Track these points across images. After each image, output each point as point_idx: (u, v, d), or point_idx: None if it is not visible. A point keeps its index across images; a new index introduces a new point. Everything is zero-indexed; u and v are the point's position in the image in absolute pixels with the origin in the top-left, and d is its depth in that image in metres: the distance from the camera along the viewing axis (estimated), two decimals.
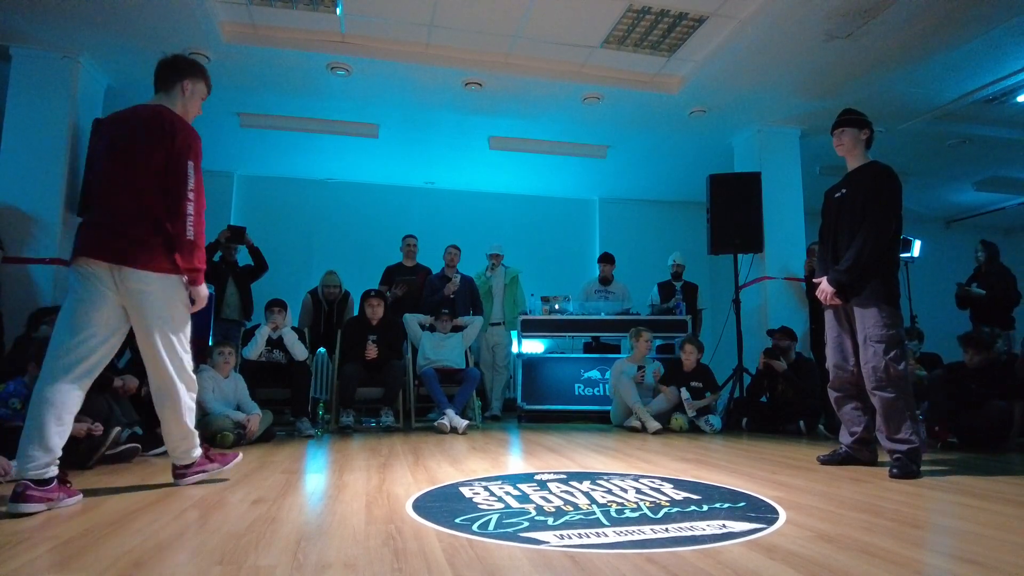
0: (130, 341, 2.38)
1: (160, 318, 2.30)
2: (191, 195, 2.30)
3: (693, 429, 4.84)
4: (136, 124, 2.35)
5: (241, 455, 2.77)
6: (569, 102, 5.59)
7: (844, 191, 3.11)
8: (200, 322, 4.88)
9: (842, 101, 4.57)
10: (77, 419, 2.22)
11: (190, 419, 2.46)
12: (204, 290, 2.42)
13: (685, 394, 4.87)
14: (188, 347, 2.43)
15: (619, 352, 6.39)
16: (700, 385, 4.97)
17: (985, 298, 4.55)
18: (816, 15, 4.20)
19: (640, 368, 5.04)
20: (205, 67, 2.60)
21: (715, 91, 5.36)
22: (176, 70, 2.48)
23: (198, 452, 2.51)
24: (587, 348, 6.59)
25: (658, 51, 4.91)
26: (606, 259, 6.52)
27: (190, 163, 2.31)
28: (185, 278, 2.35)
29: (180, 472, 2.47)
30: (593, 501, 2.13)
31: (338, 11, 4.39)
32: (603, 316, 5.96)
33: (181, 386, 2.39)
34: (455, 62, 4.97)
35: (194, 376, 2.47)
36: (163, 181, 2.29)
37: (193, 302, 2.41)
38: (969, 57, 4.69)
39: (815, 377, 4.77)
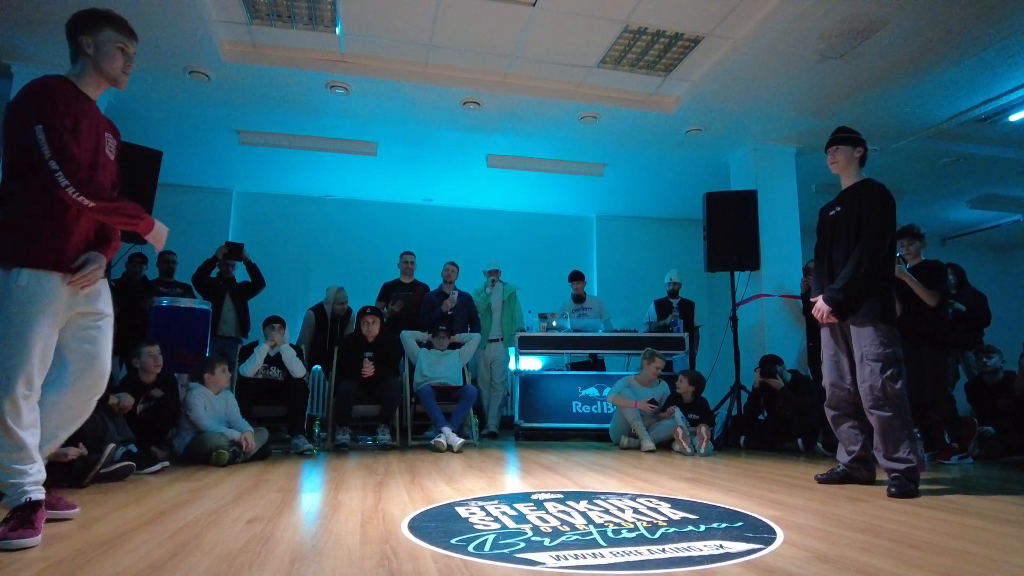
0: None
1: None
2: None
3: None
4: None
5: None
6: (566, 121, 5.64)
7: (839, 209, 3.12)
8: (197, 339, 4.87)
9: (837, 120, 4.62)
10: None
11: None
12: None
13: (679, 414, 4.79)
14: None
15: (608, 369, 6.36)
16: (697, 417, 4.86)
17: (966, 313, 4.73)
18: (810, 36, 4.26)
19: (652, 402, 4.91)
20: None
21: (711, 110, 5.41)
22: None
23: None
24: (575, 366, 6.52)
25: (654, 71, 4.97)
26: (576, 276, 6.48)
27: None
28: None
29: None
30: (590, 521, 2.12)
31: (337, 30, 4.44)
32: (601, 333, 5.95)
33: None
34: (453, 81, 5.02)
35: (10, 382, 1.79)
36: None
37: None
38: (961, 77, 4.76)
39: (812, 395, 4.77)
